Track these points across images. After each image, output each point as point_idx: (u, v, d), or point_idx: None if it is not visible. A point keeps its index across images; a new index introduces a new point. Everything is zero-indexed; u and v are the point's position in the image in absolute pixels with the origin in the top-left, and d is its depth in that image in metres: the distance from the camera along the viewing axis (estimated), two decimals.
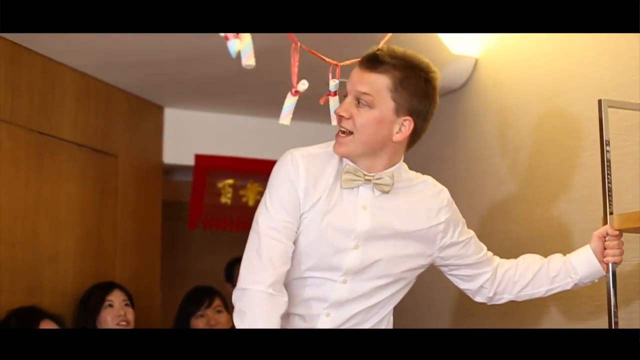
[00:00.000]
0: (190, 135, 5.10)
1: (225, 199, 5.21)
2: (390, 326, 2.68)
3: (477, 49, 4.20)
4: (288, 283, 2.52)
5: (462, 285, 2.79)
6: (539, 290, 2.75)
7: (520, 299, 2.80)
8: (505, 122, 3.99)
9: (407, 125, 2.51)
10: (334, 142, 2.54)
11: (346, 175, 2.50)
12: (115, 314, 3.90)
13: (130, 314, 3.95)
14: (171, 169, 5.18)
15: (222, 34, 1.79)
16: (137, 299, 4.55)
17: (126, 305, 3.97)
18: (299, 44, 2.21)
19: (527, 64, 3.82)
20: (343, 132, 2.47)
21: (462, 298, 4.15)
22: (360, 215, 2.51)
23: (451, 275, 2.77)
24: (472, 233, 2.75)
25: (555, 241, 3.59)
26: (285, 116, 2.27)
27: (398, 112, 2.47)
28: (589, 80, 3.41)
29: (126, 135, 4.67)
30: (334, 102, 2.58)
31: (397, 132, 2.51)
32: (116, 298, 3.95)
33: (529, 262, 2.77)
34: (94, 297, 3.94)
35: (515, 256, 3.23)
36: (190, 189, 5.13)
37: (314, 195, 2.49)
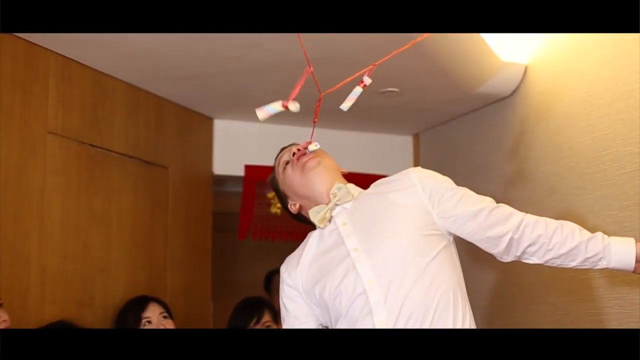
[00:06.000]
0: (239, 146, 5.11)
1: (275, 209, 5.21)
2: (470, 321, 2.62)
3: (526, 56, 4.17)
4: None
5: (489, 249, 2.69)
6: (569, 264, 2.65)
7: (546, 265, 2.70)
8: (555, 130, 3.95)
9: None
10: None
11: (315, 217, 2.73)
12: None
13: (170, 326, 3.87)
14: (221, 180, 5.19)
15: None
16: (188, 310, 4.58)
17: (164, 317, 3.88)
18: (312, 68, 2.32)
19: (578, 71, 3.79)
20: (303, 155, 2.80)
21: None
22: (342, 229, 2.67)
23: (474, 241, 2.69)
24: (464, 190, 2.72)
25: None
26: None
27: None
28: None
29: (176, 147, 4.70)
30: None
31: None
32: (153, 313, 3.87)
33: (567, 234, 2.66)
34: (130, 317, 3.86)
35: None
36: (240, 200, 5.14)
37: (299, 266, 2.74)
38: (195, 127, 4.89)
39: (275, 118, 5.01)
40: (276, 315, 4.18)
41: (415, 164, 5.39)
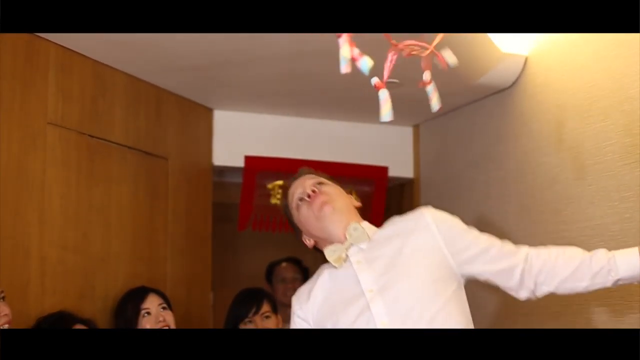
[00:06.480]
0: (239, 137, 5.11)
1: (275, 199, 5.21)
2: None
3: (526, 47, 4.16)
4: None
5: (503, 283, 2.72)
6: (579, 284, 2.65)
7: (559, 292, 2.69)
8: (556, 121, 3.95)
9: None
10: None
11: (331, 256, 2.73)
12: (155, 321, 3.80)
13: (169, 317, 3.85)
14: (221, 171, 5.19)
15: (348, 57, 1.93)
16: (188, 301, 4.58)
17: (163, 309, 3.86)
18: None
19: (578, 62, 3.79)
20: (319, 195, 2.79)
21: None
22: (357, 268, 2.68)
23: (489, 277, 2.73)
24: (475, 230, 2.76)
25: (607, 241, 3.55)
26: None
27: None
28: None
29: (176, 138, 4.69)
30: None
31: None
32: (152, 304, 3.85)
33: (570, 255, 2.69)
34: (129, 308, 3.85)
35: None
36: (240, 191, 5.14)
37: (311, 300, 2.77)
38: (195, 118, 4.89)
39: (274, 109, 5.04)
40: (275, 306, 4.18)
41: (416, 156, 5.39)
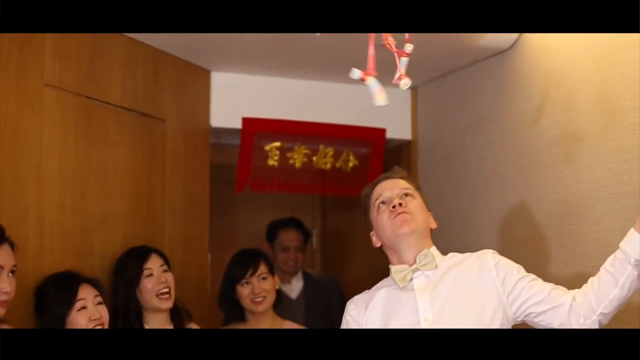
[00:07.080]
0: (237, 98, 5.09)
1: (273, 161, 5.22)
2: None
3: None
4: None
5: (556, 323, 2.75)
6: (612, 292, 2.65)
7: (609, 311, 2.68)
8: (553, 84, 3.95)
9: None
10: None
11: (396, 275, 2.81)
12: (156, 282, 3.80)
13: (170, 278, 3.86)
14: (219, 133, 5.18)
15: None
16: (186, 262, 4.59)
17: (164, 271, 3.87)
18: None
19: None
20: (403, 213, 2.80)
21: None
22: (418, 294, 2.76)
23: (540, 320, 2.76)
24: (532, 275, 2.81)
25: (605, 203, 3.56)
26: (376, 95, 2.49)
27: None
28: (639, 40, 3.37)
29: (174, 100, 4.68)
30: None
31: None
32: (154, 265, 3.85)
33: (592, 278, 2.74)
34: (131, 267, 3.84)
35: (564, 217, 3.16)
36: (238, 152, 5.14)
37: (367, 311, 2.85)
38: (193, 80, 4.87)
39: (272, 71, 5.02)
40: (272, 267, 4.18)
41: (414, 118, 5.38)
